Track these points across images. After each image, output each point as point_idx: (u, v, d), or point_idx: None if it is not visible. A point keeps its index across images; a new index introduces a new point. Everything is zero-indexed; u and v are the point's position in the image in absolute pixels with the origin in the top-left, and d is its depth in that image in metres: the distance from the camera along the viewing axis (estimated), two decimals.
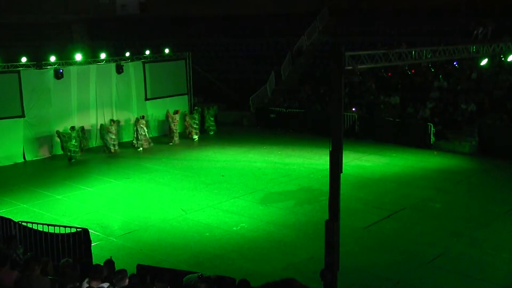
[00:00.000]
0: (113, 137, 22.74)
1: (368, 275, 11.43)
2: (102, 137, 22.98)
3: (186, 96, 27.57)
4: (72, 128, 21.68)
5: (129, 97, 25.24)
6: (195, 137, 25.18)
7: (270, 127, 27.17)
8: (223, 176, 18.82)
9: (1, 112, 20.97)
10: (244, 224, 14.30)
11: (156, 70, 26.13)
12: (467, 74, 25.30)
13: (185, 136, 25.21)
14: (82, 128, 22.49)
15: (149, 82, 25.85)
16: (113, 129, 22.75)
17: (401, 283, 11.15)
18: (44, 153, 21.98)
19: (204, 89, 30.43)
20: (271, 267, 11.71)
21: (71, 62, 23.12)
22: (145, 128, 23.48)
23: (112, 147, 22.64)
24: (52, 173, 20.01)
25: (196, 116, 25.61)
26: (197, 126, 25.49)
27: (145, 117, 24.22)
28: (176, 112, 24.75)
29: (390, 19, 30.71)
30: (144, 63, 25.72)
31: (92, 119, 23.85)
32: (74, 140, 21.48)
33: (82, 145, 22.22)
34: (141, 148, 23.21)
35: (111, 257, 9.43)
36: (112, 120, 23.34)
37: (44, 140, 22.07)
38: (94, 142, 23.90)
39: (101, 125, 23.16)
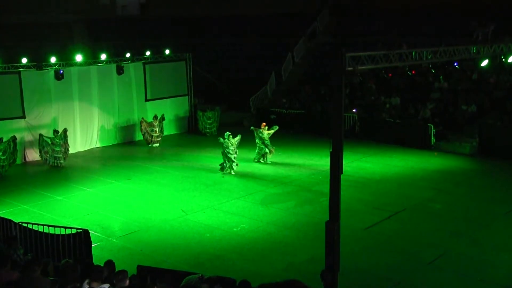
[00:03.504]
0: (58, 149, 20.49)
1: (368, 275, 11.43)
2: (41, 150, 20.70)
3: (186, 97, 27.57)
4: None
5: (130, 98, 25.21)
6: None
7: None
8: (223, 177, 18.82)
9: (2, 113, 20.96)
10: (244, 225, 14.30)
11: (156, 71, 26.13)
12: (467, 74, 25.31)
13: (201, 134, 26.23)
14: (14, 138, 19.87)
15: (149, 83, 25.84)
16: (57, 140, 20.51)
17: (402, 284, 11.15)
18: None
19: (204, 90, 30.44)
20: (272, 268, 11.71)
21: (71, 63, 23.12)
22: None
23: (53, 161, 20.53)
24: (52, 174, 20.00)
25: (210, 115, 26.39)
26: (209, 126, 26.26)
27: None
28: (156, 118, 24.05)
29: (391, 20, 30.72)
30: (144, 64, 25.71)
31: (94, 121, 23.85)
32: (0, 153, 19.27)
33: (10, 160, 19.71)
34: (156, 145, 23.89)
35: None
36: (55, 131, 20.99)
37: None
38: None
39: (41, 135, 20.86)
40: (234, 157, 19.20)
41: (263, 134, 20.39)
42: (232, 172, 19.06)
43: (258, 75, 30.91)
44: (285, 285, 3.86)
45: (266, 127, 20.64)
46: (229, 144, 19.15)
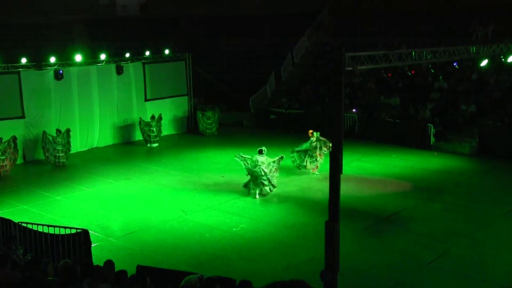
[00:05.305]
0: (59, 148, 20.65)
1: (368, 275, 11.43)
2: (44, 146, 20.91)
3: (186, 97, 27.58)
4: None
5: (129, 98, 25.22)
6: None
7: (270, 128, 27.18)
8: (223, 176, 18.80)
9: (2, 113, 20.96)
10: (244, 225, 14.29)
11: (156, 71, 26.14)
12: (467, 75, 25.32)
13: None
14: (14, 138, 19.88)
15: (148, 83, 25.84)
16: (59, 140, 20.67)
17: (402, 284, 11.14)
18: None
19: (204, 90, 30.44)
20: (271, 268, 11.70)
21: (71, 63, 23.12)
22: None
23: (53, 159, 20.72)
24: (52, 174, 20.00)
25: (210, 114, 26.41)
26: (209, 126, 26.30)
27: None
28: (153, 118, 24.21)
29: (391, 20, 30.71)
30: (144, 64, 25.72)
31: (93, 120, 23.85)
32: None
33: (11, 160, 19.74)
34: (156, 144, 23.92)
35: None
36: (58, 130, 21.13)
37: None
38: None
39: (44, 132, 21.05)
40: (266, 180, 16.29)
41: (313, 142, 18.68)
42: (257, 196, 16.43)
43: (258, 75, 30.90)
44: (290, 284, 3.84)
45: (315, 132, 18.92)
46: (260, 162, 16.23)
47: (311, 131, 19.02)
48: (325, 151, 18.49)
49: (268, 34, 34.30)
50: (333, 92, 25.68)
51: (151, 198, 16.71)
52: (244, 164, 16.51)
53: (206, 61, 32.73)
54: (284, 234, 13.72)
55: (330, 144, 17.61)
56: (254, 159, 16.31)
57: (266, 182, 16.35)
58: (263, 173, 16.17)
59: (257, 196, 16.46)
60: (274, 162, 16.47)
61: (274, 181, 16.51)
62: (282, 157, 16.71)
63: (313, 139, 18.72)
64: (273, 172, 16.45)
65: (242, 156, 16.47)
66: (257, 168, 16.18)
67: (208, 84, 31.66)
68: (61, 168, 20.63)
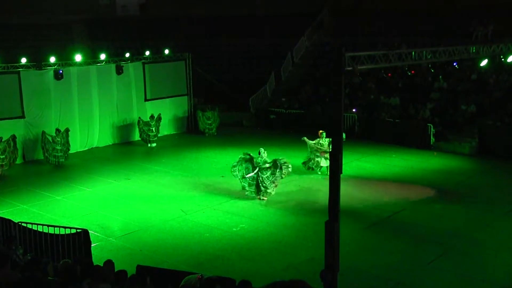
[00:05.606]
0: (59, 147, 20.65)
1: (368, 275, 11.43)
2: (43, 147, 20.86)
3: (186, 97, 27.59)
4: None
5: (129, 98, 25.22)
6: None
7: (270, 128, 27.18)
8: (223, 176, 18.79)
9: (2, 113, 20.97)
10: (244, 225, 14.29)
11: (156, 71, 26.14)
12: (467, 75, 25.32)
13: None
14: (13, 136, 19.95)
15: (148, 83, 25.85)
16: (58, 139, 20.69)
17: (402, 284, 11.14)
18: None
19: (204, 90, 30.45)
20: (271, 268, 11.70)
21: (70, 63, 23.12)
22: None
23: (53, 159, 20.69)
24: (52, 173, 19.99)
25: (209, 114, 26.46)
26: (209, 126, 26.34)
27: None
28: (152, 117, 24.23)
29: (391, 20, 30.72)
30: (144, 64, 25.72)
31: (93, 120, 23.85)
32: None
33: (11, 159, 19.76)
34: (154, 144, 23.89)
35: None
36: (57, 130, 21.13)
37: None
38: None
39: (43, 132, 21.02)
40: (270, 186, 15.98)
41: (323, 145, 18.27)
42: (264, 198, 16.12)
43: (258, 75, 30.91)
44: (291, 284, 3.84)
45: (324, 133, 18.44)
46: (256, 163, 15.99)
47: (320, 131, 18.69)
48: (317, 155, 18.50)
49: (268, 34, 34.30)
50: (333, 92, 25.72)
51: (151, 198, 16.71)
52: (237, 170, 16.22)
53: (206, 61, 32.73)
54: (284, 234, 13.72)
55: (326, 149, 17.91)
56: (254, 161, 16.10)
57: (247, 187, 16.25)
58: (247, 183, 16.15)
59: (264, 198, 16.18)
60: (277, 168, 15.94)
61: (265, 185, 16.01)
62: (276, 160, 15.98)
63: (317, 140, 18.64)
64: (277, 174, 16.03)
65: (249, 156, 16.14)
66: (249, 171, 16.03)
67: (208, 84, 31.67)
68: (60, 168, 20.63)
